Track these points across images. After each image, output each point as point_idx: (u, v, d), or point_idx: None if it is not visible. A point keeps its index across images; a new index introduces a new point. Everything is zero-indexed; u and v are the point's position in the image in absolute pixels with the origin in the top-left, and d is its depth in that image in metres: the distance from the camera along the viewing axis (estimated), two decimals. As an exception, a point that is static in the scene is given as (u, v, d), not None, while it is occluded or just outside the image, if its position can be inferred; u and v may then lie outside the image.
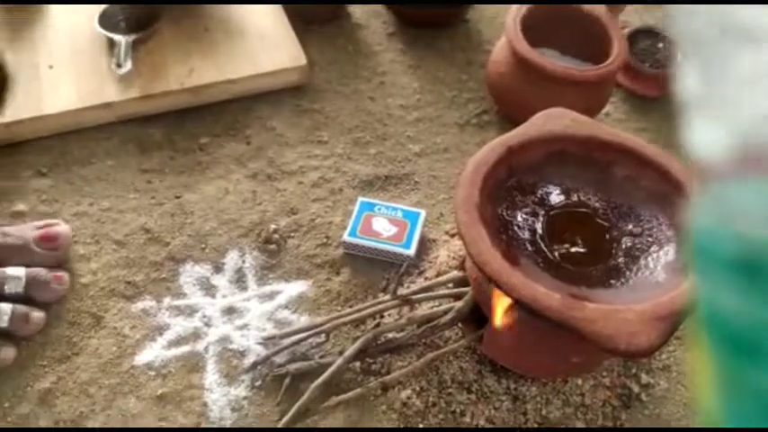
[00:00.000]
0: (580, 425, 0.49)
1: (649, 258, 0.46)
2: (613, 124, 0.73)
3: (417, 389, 0.51)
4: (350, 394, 0.50)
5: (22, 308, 0.53)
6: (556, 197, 0.50)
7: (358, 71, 0.77)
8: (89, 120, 0.68)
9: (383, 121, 0.72)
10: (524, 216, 0.48)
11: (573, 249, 0.47)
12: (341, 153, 0.69)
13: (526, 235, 0.47)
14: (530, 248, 0.46)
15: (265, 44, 0.74)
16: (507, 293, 0.42)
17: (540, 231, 0.47)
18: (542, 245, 0.47)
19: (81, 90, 0.68)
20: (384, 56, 0.79)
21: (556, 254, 0.46)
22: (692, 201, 0.16)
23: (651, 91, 0.75)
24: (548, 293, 0.41)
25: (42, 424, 0.49)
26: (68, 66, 0.70)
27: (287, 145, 0.69)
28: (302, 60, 0.73)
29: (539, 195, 0.49)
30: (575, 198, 0.50)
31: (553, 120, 0.53)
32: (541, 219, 0.48)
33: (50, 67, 0.70)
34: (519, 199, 0.49)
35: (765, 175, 0.15)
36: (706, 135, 0.16)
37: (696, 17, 0.16)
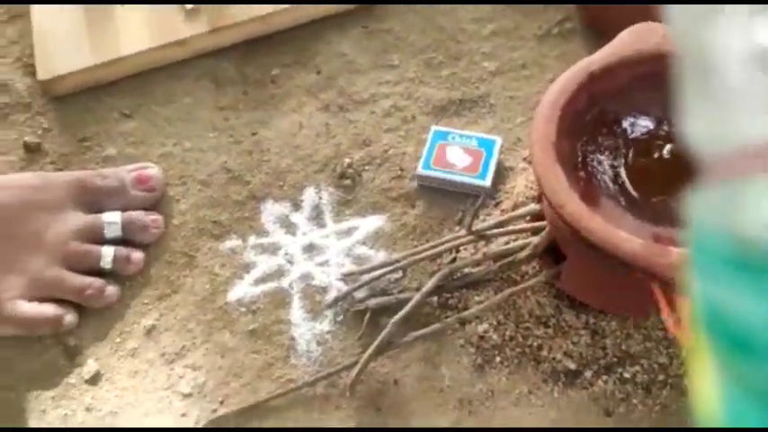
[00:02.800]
0: (662, 359, 0.48)
1: (743, 192, 0.42)
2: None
3: (494, 323, 0.51)
4: (428, 329, 0.51)
5: (123, 249, 0.57)
6: (642, 128, 0.46)
7: (428, -18, 0.72)
8: (164, 58, 0.69)
9: (456, 38, 0.69)
10: (606, 151, 0.45)
11: (658, 185, 0.44)
12: (412, 77, 0.66)
13: (607, 172, 0.45)
14: (611, 186, 0.44)
15: (329, -37, 0.71)
16: (585, 238, 0.41)
17: (622, 167, 0.45)
18: (625, 182, 0.44)
19: (153, 29, 0.69)
20: (455, -37, 0.74)
21: (639, 191, 0.44)
22: (692, 199, 0.16)
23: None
24: (629, 239, 0.39)
25: (149, 357, 0.54)
26: (139, 4, 0.70)
27: (357, 72, 0.67)
28: (368, -23, 0.69)
29: (622, 126, 0.46)
30: (663, 128, 0.46)
31: (641, 37, 0.48)
32: (624, 153, 0.45)
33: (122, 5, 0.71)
34: (600, 132, 0.46)
35: (766, 174, 0.14)
36: (708, 134, 0.16)
37: (698, 18, 0.15)
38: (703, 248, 0.16)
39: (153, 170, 0.61)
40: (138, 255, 0.57)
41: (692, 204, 0.16)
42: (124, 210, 0.59)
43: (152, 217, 0.59)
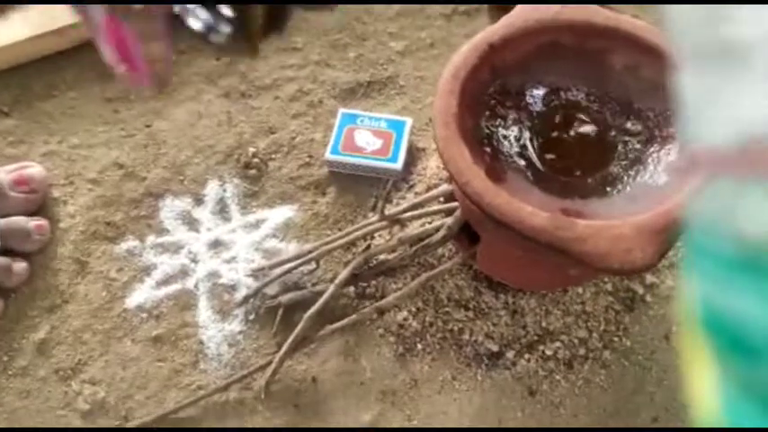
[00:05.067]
0: (582, 333, 0.48)
1: (649, 160, 0.42)
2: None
3: (413, 310, 0.50)
4: (345, 321, 0.49)
5: (2, 260, 0.52)
6: (545, 99, 0.45)
7: (329, -38, 0.70)
8: (44, 49, 0.63)
9: (361, 19, 0.66)
10: (510, 124, 0.44)
11: (565, 158, 0.43)
12: (317, 60, 0.63)
13: (513, 146, 0.43)
14: (517, 161, 0.43)
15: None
16: (491, 215, 0.39)
17: (527, 141, 0.44)
18: (531, 156, 0.43)
19: (31, 18, 0.63)
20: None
21: (546, 164, 0.43)
22: (692, 199, 0.16)
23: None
24: (534, 213, 0.38)
25: (42, 374, 0.49)
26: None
27: (259, 56, 0.64)
28: (266, -44, 0.66)
29: (526, 99, 0.45)
30: (567, 98, 0.45)
31: (540, 7, 0.47)
32: (529, 126, 0.44)
33: (-8, -8, 0.64)
34: (504, 105, 0.45)
35: (765, 173, 0.14)
36: (707, 133, 0.15)
37: (697, 17, 0.14)
38: (703, 248, 0.15)
39: (34, 169, 0.55)
40: (20, 265, 0.52)
41: (691, 204, 0.16)
42: (3, 215, 0.53)
43: (35, 222, 0.53)
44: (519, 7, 0.47)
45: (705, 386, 0.16)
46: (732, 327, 0.15)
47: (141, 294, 0.52)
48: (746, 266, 0.14)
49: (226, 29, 0.29)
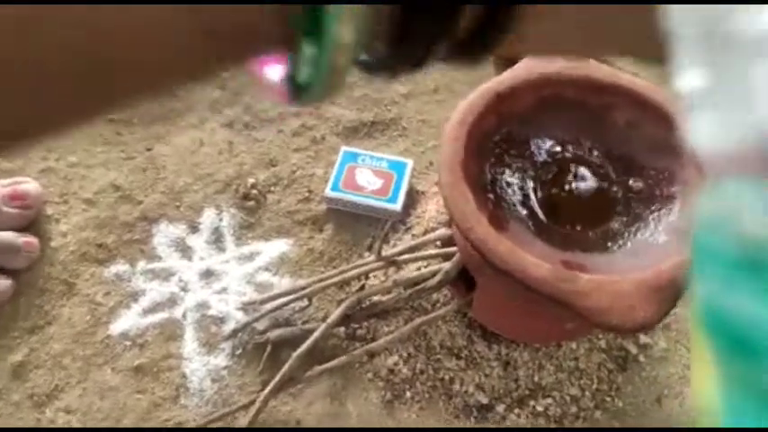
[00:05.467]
0: (574, 390, 0.47)
1: (650, 218, 0.42)
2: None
3: (404, 355, 0.49)
4: (334, 362, 0.48)
5: (-12, 276, 0.50)
6: (549, 150, 0.45)
7: None
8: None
9: (368, 59, 0.67)
10: (514, 173, 0.44)
11: (567, 210, 0.43)
12: (323, 97, 0.64)
13: (516, 194, 0.43)
14: (519, 210, 0.43)
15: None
16: (492, 262, 0.39)
17: (530, 190, 0.44)
18: (533, 206, 0.43)
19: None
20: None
21: (548, 216, 0.42)
22: (694, 199, 0.16)
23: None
24: (537, 264, 0.38)
25: (16, 399, 0.47)
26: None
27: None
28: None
29: (530, 149, 0.45)
30: (570, 151, 0.45)
31: (545, 60, 0.48)
32: (532, 176, 0.44)
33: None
34: (508, 153, 0.45)
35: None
36: (709, 132, 0.15)
37: (699, 15, 0.14)
38: (706, 248, 0.15)
39: (29, 185, 0.55)
40: (5, 282, 0.51)
41: (694, 203, 0.16)
42: (-5, 230, 0.52)
43: (25, 239, 0.52)
44: (524, 60, 0.48)
45: (707, 386, 0.16)
46: (733, 326, 0.14)
47: (126, 321, 0.51)
48: (748, 266, 0.14)
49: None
